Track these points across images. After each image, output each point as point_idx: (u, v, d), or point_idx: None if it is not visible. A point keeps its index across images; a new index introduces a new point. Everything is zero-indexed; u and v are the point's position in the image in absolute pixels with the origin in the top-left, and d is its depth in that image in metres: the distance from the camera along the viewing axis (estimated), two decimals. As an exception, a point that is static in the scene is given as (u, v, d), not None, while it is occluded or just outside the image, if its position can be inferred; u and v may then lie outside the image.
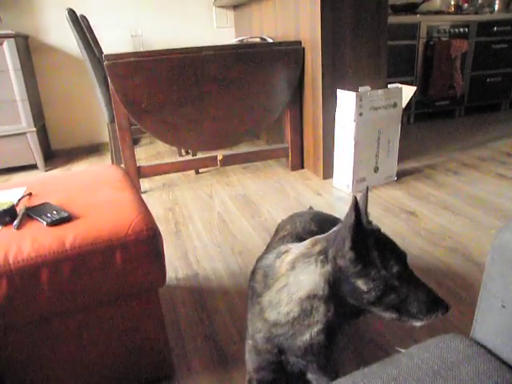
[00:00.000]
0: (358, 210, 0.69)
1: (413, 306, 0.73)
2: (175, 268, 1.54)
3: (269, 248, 1.00)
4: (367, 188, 0.84)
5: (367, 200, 0.83)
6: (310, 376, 0.87)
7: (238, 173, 2.59)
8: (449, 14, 3.76)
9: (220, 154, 2.44)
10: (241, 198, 2.18)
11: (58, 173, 2.78)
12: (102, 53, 2.12)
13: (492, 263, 0.56)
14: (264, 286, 0.83)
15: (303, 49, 2.30)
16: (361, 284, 0.71)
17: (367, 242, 0.71)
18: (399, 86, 2.15)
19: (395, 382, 0.51)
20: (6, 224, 0.87)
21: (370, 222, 0.79)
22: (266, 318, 0.81)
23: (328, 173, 2.35)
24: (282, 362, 0.85)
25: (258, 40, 2.73)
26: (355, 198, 0.68)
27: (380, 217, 1.86)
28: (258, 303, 0.83)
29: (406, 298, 0.73)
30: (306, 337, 0.78)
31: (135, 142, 3.33)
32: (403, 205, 1.97)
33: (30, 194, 1.04)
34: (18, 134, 2.71)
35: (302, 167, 2.60)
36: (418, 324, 0.74)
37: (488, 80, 3.73)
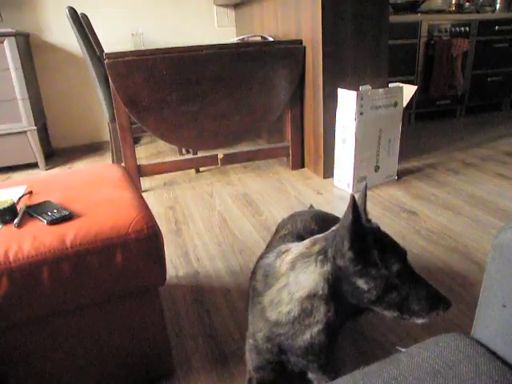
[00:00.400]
0: (356, 208, 0.69)
1: (414, 304, 0.72)
2: (176, 266, 1.54)
3: (269, 247, 1.00)
4: (365, 186, 0.84)
5: (366, 198, 0.82)
6: (310, 376, 0.87)
7: (239, 172, 2.59)
8: (450, 12, 3.75)
9: (220, 153, 2.44)
10: (241, 197, 2.18)
11: (58, 171, 2.78)
12: (103, 51, 2.12)
13: (492, 263, 0.56)
14: (265, 286, 0.83)
15: (304, 48, 2.30)
16: (361, 283, 0.71)
17: (366, 240, 0.71)
18: (400, 85, 2.14)
19: (395, 382, 0.51)
20: (6, 222, 0.87)
21: (369, 221, 0.79)
22: (266, 318, 0.81)
23: (329, 172, 2.35)
24: (283, 362, 0.85)
25: (258, 39, 2.73)
26: (353, 196, 0.68)
27: (380, 216, 1.86)
28: (258, 302, 0.83)
29: (407, 295, 0.72)
30: (307, 336, 0.78)
31: (136, 140, 3.32)
32: (404, 204, 1.97)
33: (30, 193, 1.04)
34: (19, 133, 2.71)
35: (303, 166, 2.60)
36: (419, 321, 0.74)
37: (489, 79, 3.72)
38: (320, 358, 0.81)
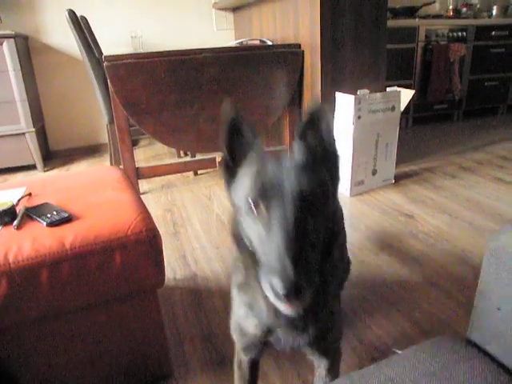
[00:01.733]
0: (226, 130, 0.62)
1: (265, 259, 0.52)
2: (174, 269, 1.54)
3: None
4: (322, 105, 0.59)
5: (323, 115, 0.60)
6: (311, 357, 0.80)
7: (237, 174, 2.59)
8: (447, 18, 3.78)
9: (219, 156, 2.45)
10: (239, 200, 2.18)
11: (56, 173, 2.78)
12: (102, 54, 2.13)
13: (488, 266, 0.57)
14: None
15: (302, 51, 2.31)
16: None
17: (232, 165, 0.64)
18: (398, 89, 2.16)
19: (392, 383, 0.52)
20: (5, 224, 0.87)
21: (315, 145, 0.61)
22: (238, 284, 0.72)
23: (326, 175, 2.35)
24: (272, 344, 0.72)
25: (257, 42, 2.74)
26: (228, 121, 0.62)
27: (378, 219, 1.87)
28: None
29: (264, 242, 0.52)
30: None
31: (134, 143, 3.32)
32: (401, 208, 1.98)
33: (29, 195, 1.04)
34: (17, 135, 2.71)
35: (301, 169, 2.60)
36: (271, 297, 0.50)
37: (486, 84, 3.75)
38: (303, 331, 0.66)
